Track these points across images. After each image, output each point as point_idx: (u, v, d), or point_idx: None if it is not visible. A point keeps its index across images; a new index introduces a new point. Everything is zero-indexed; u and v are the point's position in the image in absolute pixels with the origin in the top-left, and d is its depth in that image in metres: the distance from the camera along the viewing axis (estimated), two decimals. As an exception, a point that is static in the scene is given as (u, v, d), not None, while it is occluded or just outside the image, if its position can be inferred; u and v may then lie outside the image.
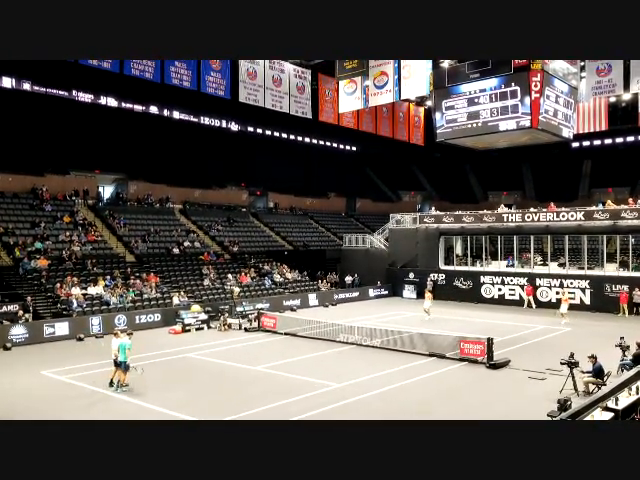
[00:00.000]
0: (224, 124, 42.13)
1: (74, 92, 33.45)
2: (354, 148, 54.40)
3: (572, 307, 28.94)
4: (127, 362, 14.34)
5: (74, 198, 34.18)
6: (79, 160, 36.99)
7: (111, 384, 14.59)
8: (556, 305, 26.73)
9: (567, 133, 21.90)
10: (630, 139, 48.28)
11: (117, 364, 14.43)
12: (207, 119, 40.91)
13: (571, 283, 30.12)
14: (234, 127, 42.88)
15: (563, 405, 11.80)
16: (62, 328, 21.96)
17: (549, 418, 10.89)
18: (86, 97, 34.03)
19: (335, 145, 52.62)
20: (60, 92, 32.95)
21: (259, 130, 45.23)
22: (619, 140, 48.82)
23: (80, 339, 21.70)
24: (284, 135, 47.31)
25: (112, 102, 35.36)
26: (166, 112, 38.43)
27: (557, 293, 28.69)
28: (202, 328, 24.42)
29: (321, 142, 50.96)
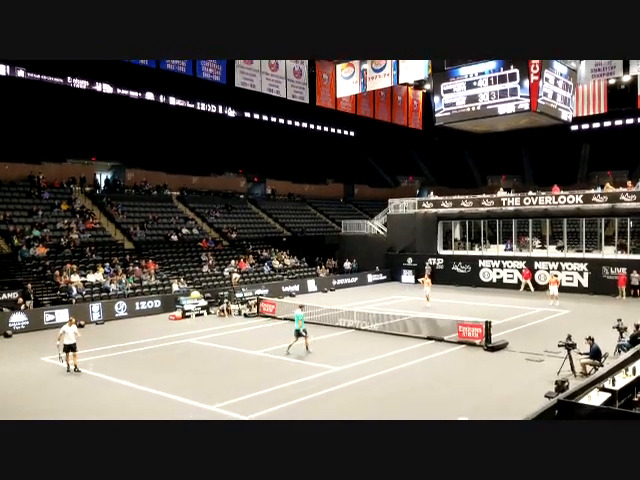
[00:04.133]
0: (221, 110, 41.89)
1: (69, 79, 33.20)
2: (352, 133, 54.21)
3: (570, 290, 29.13)
4: (301, 330, 16.60)
5: (71, 186, 34.09)
6: (75, 147, 36.83)
7: (69, 369, 15.03)
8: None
9: (566, 116, 21.77)
10: (629, 121, 48.11)
11: (69, 348, 14.93)
12: (203, 105, 40.68)
13: (569, 266, 30.21)
14: (231, 113, 42.66)
15: (560, 386, 11.93)
16: (62, 315, 21.98)
17: (547, 399, 10.98)
18: (81, 84, 33.77)
19: (333, 130, 52.42)
20: (55, 79, 32.70)
21: (256, 116, 45.01)
22: (618, 123, 48.65)
23: (80, 326, 21.64)
24: (281, 120, 47.09)
25: (107, 88, 35.12)
26: (162, 98, 38.20)
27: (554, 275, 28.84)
28: (202, 314, 24.51)
29: (318, 127, 50.76)
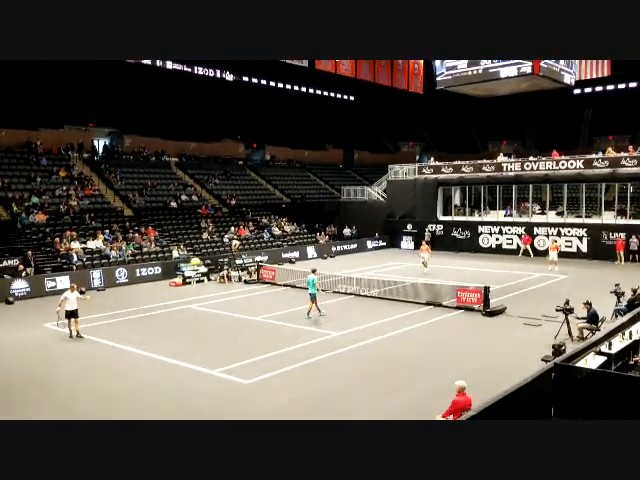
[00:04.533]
0: (218, 74, 41.21)
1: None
2: (352, 98, 53.50)
3: (569, 255, 29.24)
4: (315, 293, 17.13)
5: (70, 152, 33.84)
6: (73, 113, 36.45)
7: (71, 335, 15.20)
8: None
9: (569, 79, 21.53)
10: (633, 85, 47.40)
11: (71, 314, 15.11)
12: (201, 69, 40.01)
13: (568, 231, 30.25)
14: (229, 77, 41.99)
15: (557, 350, 12.07)
16: (63, 282, 22.10)
17: (543, 362, 11.13)
18: (77, 48, 33.11)
19: (332, 95, 51.70)
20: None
21: (254, 80, 44.31)
22: (621, 86, 47.94)
23: (82, 292, 21.81)
24: (280, 85, 46.40)
25: (103, 53, 34.46)
26: (159, 62, 37.53)
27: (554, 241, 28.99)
28: (202, 281, 24.64)
29: (318, 92, 50.03)
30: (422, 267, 25.76)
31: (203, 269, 25.16)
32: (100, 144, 38.34)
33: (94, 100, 37.09)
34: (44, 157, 31.83)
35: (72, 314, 15.15)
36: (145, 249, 27.30)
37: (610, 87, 48.01)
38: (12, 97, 33.77)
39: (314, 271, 17.91)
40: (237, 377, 11.77)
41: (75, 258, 24.33)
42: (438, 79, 21.83)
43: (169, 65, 38.06)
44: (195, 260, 25.61)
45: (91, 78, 36.62)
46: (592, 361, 8.95)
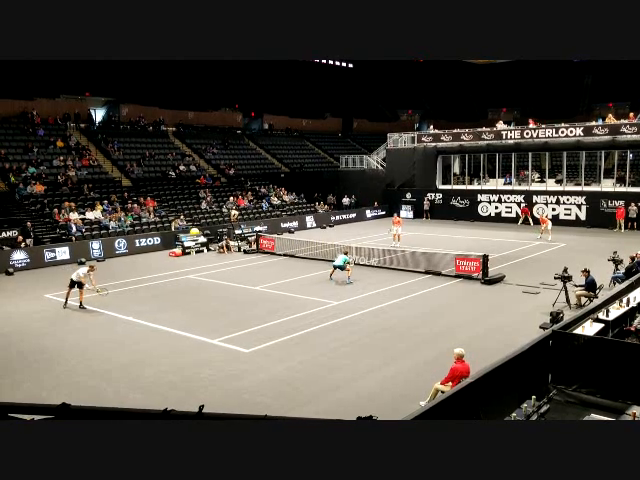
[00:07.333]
0: (215, 41, 40.55)
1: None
2: (350, 65, 52.78)
3: (568, 223, 29.28)
4: (341, 266, 17.61)
5: (66, 122, 33.51)
6: (68, 83, 35.95)
7: (65, 305, 15.29)
8: (553, 222, 26.93)
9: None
10: (634, 51, 46.73)
11: (75, 284, 15.16)
12: (198, 36, 39.34)
13: (567, 199, 30.23)
14: (226, 44, 41.34)
15: (555, 317, 12.19)
16: (63, 253, 22.18)
17: (541, 330, 11.24)
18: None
19: (331, 63, 50.96)
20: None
21: (252, 47, 43.59)
22: (622, 52, 47.24)
23: (81, 263, 21.89)
24: (278, 52, 45.64)
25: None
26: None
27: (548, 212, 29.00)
28: (202, 251, 24.70)
29: (316, 60, 49.28)
30: (394, 240, 24.74)
31: (202, 239, 25.20)
32: (97, 114, 37.95)
33: (90, 68, 36.56)
34: (41, 128, 31.53)
35: (77, 284, 15.21)
36: (144, 219, 27.29)
37: (611, 52, 47.28)
38: (7, 66, 33.27)
39: (346, 253, 18.66)
40: (237, 346, 11.89)
41: (74, 229, 24.33)
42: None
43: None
44: (194, 230, 25.63)
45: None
46: (589, 328, 9.02)
